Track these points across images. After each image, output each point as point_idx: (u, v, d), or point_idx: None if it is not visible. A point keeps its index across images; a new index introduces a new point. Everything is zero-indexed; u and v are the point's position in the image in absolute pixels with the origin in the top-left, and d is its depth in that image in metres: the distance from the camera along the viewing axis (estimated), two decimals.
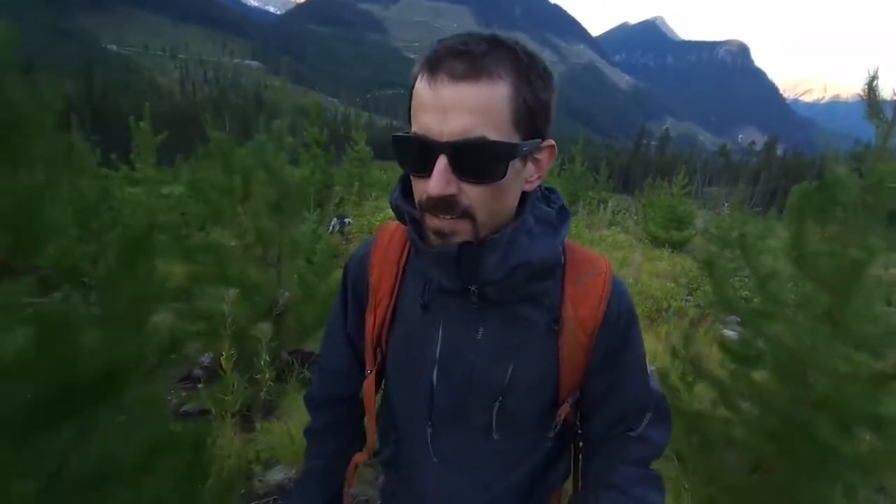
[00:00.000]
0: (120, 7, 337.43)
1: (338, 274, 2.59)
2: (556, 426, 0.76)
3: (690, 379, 2.31)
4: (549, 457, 0.81)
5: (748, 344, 2.12)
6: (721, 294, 2.16)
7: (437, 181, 0.57)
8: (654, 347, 4.04)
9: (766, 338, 1.96)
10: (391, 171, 17.11)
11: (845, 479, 1.72)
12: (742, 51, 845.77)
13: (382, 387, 0.85)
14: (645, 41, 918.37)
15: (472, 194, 0.60)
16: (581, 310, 0.72)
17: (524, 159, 0.63)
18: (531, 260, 0.66)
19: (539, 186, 0.71)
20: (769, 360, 1.97)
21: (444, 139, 0.56)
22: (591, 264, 0.75)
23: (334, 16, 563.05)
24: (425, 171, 0.59)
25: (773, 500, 1.87)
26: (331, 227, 8.15)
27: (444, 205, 0.60)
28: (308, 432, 0.92)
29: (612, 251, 8.58)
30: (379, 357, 0.80)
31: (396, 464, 0.85)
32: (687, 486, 2.18)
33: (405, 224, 0.70)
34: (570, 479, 0.87)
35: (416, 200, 0.64)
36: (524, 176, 0.65)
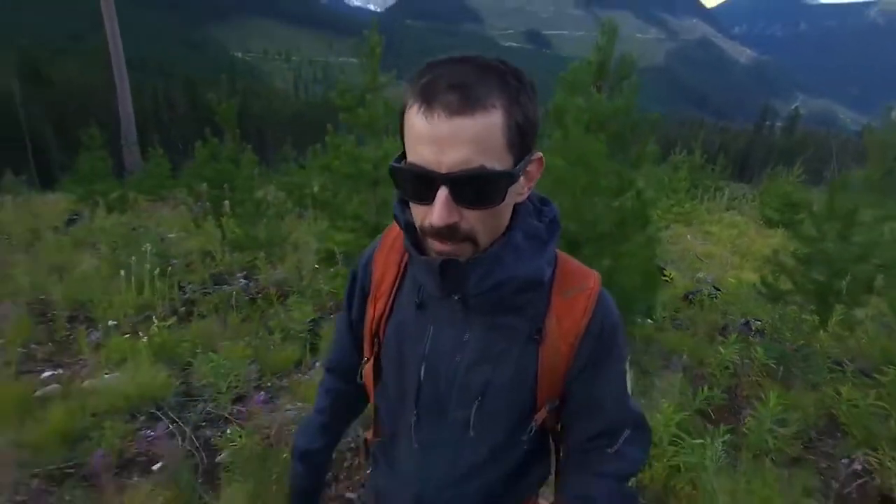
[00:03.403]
0: (239, 15, 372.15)
1: None
2: (530, 430, 0.79)
3: (778, 274, 4.62)
4: (527, 460, 0.85)
5: (808, 254, 4.39)
6: (798, 234, 4.46)
7: (440, 212, 0.61)
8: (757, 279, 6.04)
9: (818, 249, 4.24)
10: None
11: (846, 303, 3.99)
12: None
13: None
14: (772, 8, 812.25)
15: (471, 219, 0.64)
16: (565, 322, 0.75)
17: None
18: (514, 277, 0.70)
19: (531, 199, 0.76)
20: (818, 259, 4.25)
21: (444, 171, 0.59)
22: (580, 278, 0.78)
23: (430, 9, 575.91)
24: (426, 200, 0.62)
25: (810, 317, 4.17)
26: None
27: (448, 232, 0.63)
28: (319, 386, 1.06)
29: (727, 229, 10.37)
30: (377, 346, 0.86)
31: (384, 446, 0.92)
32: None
33: (402, 230, 0.74)
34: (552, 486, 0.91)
35: (418, 225, 0.67)
36: (516, 191, 0.68)
